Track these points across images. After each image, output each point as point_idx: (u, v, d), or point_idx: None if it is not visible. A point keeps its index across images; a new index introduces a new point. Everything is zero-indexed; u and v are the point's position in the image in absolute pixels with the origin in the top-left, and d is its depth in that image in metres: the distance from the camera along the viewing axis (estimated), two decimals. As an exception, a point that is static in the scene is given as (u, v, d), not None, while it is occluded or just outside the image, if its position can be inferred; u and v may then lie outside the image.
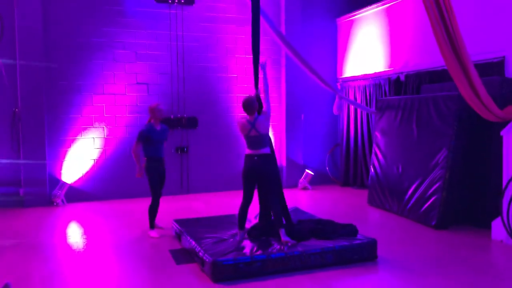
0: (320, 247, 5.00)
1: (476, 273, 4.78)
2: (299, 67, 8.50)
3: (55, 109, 8.73)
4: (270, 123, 10.11)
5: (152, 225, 6.47)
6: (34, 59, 8.37)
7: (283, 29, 10.08)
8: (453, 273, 4.78)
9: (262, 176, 5.40)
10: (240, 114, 5.53)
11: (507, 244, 5.76)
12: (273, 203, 5.44)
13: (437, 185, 6.67)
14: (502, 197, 5.75)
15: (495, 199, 6.09)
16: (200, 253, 4.94)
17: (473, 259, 5.23)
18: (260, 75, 5.86)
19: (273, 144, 6.03)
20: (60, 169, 8.80)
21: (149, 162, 6.36)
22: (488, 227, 6.23)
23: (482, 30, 6.96)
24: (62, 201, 8.58)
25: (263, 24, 7.20)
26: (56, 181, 8.71)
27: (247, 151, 5.47)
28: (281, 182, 5.81)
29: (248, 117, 5.43)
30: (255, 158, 5.37)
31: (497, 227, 5.95)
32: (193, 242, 5.26)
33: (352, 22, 10.30)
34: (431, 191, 6.76)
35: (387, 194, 7.77)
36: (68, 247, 5.93)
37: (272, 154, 5.57)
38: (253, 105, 5.42)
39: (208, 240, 5.33)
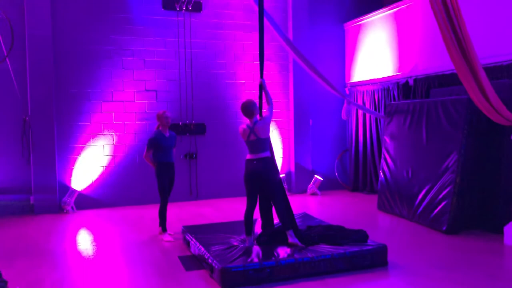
0: (331, 253, 4.97)
1: (489, 279, 4.72)
2: (307, 72, 8.49)
3: (64, 116, 8.79)
4: (275, 129, 10.17)
5: (164, 228, 6.54)
6: (43, 67, 8.45)
7: (290, 34, 10.09)
8: (465, 279, 4.72)
9: (262, 180, 5.41)
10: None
11: (519, 249, 5.68)
12: (276, 206, 5.44)
13: (447, 189, 6.61)
14: (514, 201, 5.68)
15: (507, 204, 6.02)
16: (209, 260, 4.92)
17: (485, 265, 5.17)
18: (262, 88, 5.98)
19: (278, 148, 6.04)
20: (70, 176, 8.85)
21: (160, 166, 6.49)
22: (500, 232, 6.15)
23: (491, 33, 6.91)
24: (72, 208, 8.63)
25: (270, 30, 7.22)
26: (66, 188, 8.76)
27: (248, 155, 5.52)
28: (282, 185, 5.78)
29: (248, 122, 5.51)
30: (254, 162, 5.41)
31: (510, 232, 5.88)
32: (202, 249, 5.25)
33: (359, 27, 10.29)
34: (441, 196, 6.70)
35: (397, 199, 7.72)
36: (78, 253, 5.95)
37: (271, 158, 5.55)
38: (250, 107, 5.49)
39: (217, 246, 5.32)
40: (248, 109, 5.49)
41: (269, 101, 5.68)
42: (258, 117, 5.58)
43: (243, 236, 5.69)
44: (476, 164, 6.61)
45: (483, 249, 5.76)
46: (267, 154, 5.45)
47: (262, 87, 5.91)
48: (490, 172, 6.56)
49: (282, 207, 5.46)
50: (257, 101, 5.78)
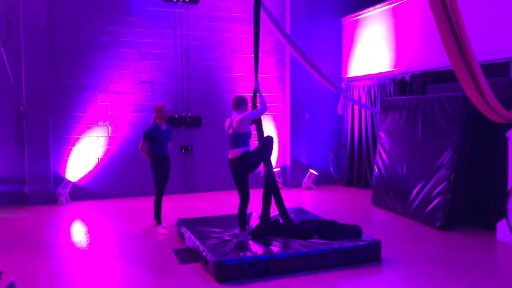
0: (325, 248, 4.99)
1: (481, 275, 4.76)
2: (304, 66, 8.48)
3: (59, 107, 8.75)
4: (271, 123, 10.17)
5: (159, 221, 6.55)
6: (39, 57, 8.39)
7: (288, 28, 10.06)
8: (458, 275, 4.76)
9: (234, 175, 5.49)
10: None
11: (512, 246, 5.74)
12: (240, 203, 5.48)
13: (442, 186, 6.64)
14: (507, 198, 5.72)
15: (501, 201, 6.06)
16: (204, 253, 4.93)
17: (478, 261, 5.21)
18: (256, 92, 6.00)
19: (274, 142, 6.00)
20: (65, 167, 8.82)
21: (155, 159, 6.48)
22: (493, 229, 6.20)
23: (488, 31, 6.92)
24: (67, 199, 8.60)
25: (268, 23, 7.20)
26: (60, 179, 8.73)
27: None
28: (275, 179, 5.81)
29: None
30: (229, 157, 5.54)
31: (502, 228, 5.93)
32: (197, 242, 5.26)
33: (357, 21, 10.27)
34: (436, 192, 6.73)
35: (392, 195, 7.75)
36: (72, 245, 5.94)
37: (247, 153, 5.46)
38: (236, 100, 5.56)
39: (212, 239, 5.33)
40: (234, 102, 5.57)
41: (263, 104, 5.66)
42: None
43: (237, 230, 5.70)
44: (470, 161, 6.64)
45: (476, 245, 5.81)
46: (243, 149, 5.41)
47: (256, 91, 5.90)
48: (485, 169, 6.59)
49: (242, 206, 5.47)
50: (250, 102, 5.82)
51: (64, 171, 8.82)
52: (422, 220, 6.90)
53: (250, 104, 5.84)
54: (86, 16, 8.84)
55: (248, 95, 6.42)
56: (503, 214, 5.92)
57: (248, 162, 5.43)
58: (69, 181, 8.69)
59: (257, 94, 5.90)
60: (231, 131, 5.47)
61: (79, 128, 8.90)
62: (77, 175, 8.89)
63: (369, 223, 7.05)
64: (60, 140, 8.77)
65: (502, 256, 5.50)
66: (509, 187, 5.81)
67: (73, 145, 8.86)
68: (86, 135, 8.95)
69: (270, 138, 5.72)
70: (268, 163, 5.78)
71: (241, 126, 5.39)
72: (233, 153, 5.45)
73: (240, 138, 5.42)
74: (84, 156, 8.93)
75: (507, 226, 5.72)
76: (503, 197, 5.94)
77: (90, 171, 8.98)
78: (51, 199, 8.57)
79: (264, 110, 5.63)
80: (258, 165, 5.54)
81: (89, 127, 8.96)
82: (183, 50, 9.52)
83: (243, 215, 5.45)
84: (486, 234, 6.28)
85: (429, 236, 6.30)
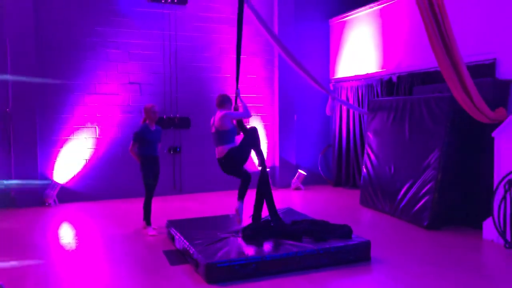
0: (316, 248, 5.03)
1: (468, 273, 4.83)
2: (292, 67, 8.52)
3: (47, 109, 8.66)
4: (260, 123, 10.19)
5: (149, 222, 6.52)
6: (25, 58, 8.29)
7: (276, 29, 10.09)
8: (446, 273, 4.83)
9: (225, 172, 5.72)
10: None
11: (498, 244, 5.83)
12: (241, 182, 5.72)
13: (429, 185, 6.73)
14: (493, 197, 5.81)
15: (487, 200, 6.16)
16: (194, 255, 4.94)
17: (464, 259, 5.29)
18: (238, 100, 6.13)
19: (263, 143, 6.07)
20: (52, 169, 8.74)
21: (145, 160, 6.48)
22: (480, 228, 6.29)
23: (474, 32, 7.03)
24: (54, 201, 8.53)
25: (256, 24, 7.22)
26: (48, 181, 8.64)
27: None
28: (241, 170, 5.86)
29: None
30: (217, 156, 5.66)
31: (488, 227, 6.03)
32: (187, 243, 5.26)
33: (344, 23, 10.35)
34: (423, 191, 6.81)
35: (379, 195, 7.82)
36: (61, 248, 5.90)
37: (230, 152, 5.54)
38: (218, 98, 5.66)
39: (202, 241, 5.33)
40: (218, 100, 5.67)
41: (245, 109, 5.74)
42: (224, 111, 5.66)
43: (228, 231, 5.71)
44: (457, 161, 6.73)
45: (463, 244, 5.89)
46: (228, 147, 5.50)
47: (237, 96, 5.96)
48: (471, 169, 6.69)
49: (244, 182, 5.71)
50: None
51: (52, 173, 8.74)
52: (410, 220, 6.98)
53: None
54: (74, 17, 8.76)
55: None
56: (489, 213, 6.01)
57: (236, 158, 5.48)
58: (56, 183, 8.61)
59: (239, 101, 5.95)
60: (213, 129, 5.52)
61: (67, 130, 8.82)
62: (65, 177, 8.81)
63: (358, 223, 7.11)
64: (48, 141, 8.69)
65: (489, 254, 5.59)
66: (494, 186, 5.91)
67: (61, 146, 8.78)
68: (74, 137, 8.87)
69: (253, 129, 5.77)
70: (260, 158, 5.80)
71: (223, 124, 5.44)
72: (219, 152, 5.53)
73: (223, 136, 5.47)
74: (72, 157, 8.86)
75: (493, 225, 5.81)
76: (489, 196, 6.04)
77: (78, 173, 8.91)
78: (39, 201, 8.48)
79: (246, 114, 5.69)
80: (246, 159, 5.62)
81: (77, 129, 8.89)
82: (172, 51, 9.50)
83: (243, 190, 5.66)
84: (472, 233, 6.37)
85: (417, 235, 6.37)
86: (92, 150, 9.00)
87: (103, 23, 8.97)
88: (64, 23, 8.71)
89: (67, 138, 8.83)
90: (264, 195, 5.82)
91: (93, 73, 8.97)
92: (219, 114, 5.50)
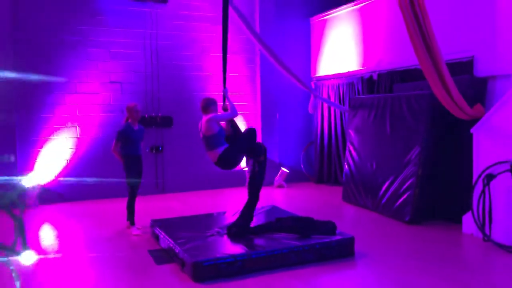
0: (301, 245, 5.07)
1: (449, 266, 4.94)
2: (274, 66, 8.56)
3: (26, 109, 8.52)
4: (242, 121, 10.19)
5: (133, 222, 6.49)
6: (3, 58, 8.14)
7: (257, 27, 10.11)
8: (428, 267, 4.93)
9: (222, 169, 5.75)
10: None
11: (477, 237, 5.97)
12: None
13: (410, 181, 6.84)
14: (472, 192, 5.94)
15: (466, 195, 6.29)
16: (180, 254, 4.93)
17: (446, 253, 5.41)
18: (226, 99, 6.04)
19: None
20: (32, 170, 8.60)
21: (128, 159, 6.44)
22: (460, 222, 6.43)
23: (452, 30, 7.16)
24: (35, 202, 8.39)
25: (238, 22, 7.23)
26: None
27: None
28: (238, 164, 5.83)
29: None
30: (212, 161, 5.64)
31: (468, 221, 6.16)
32: (172, 242, 5.25)
33: (325, 21, 10.43)
34: (404, 187, 6.93)
35: (362, 191, 7.92)
36: (42, 250, 5.82)
37: (223, 154, 5.48)
38: (202, 103, 5.60)
39: (186, 240, 5.32)
40: (202, 105, 5.59)
41: (232, 109, 5.66)
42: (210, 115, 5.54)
43: (212, 230, 5.71)
44: (437, 157, 6.86)
45: (443, 238, 6.02)
46: (219, 149, 5.43)
47: (225, 96, 5.92)
48: (451, 164, 6.82)
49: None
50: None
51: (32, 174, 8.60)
52: (392, 215, 7.09)
53: (220, 103, 5.88)
54: (53, 15, 8.63)
55: (219, 94, 6.44)
56: (468, 207, 6.15)
57: (230, 158, 5.47)
58: (37, 184, 8.47)
59: (226, 100, 5.90)
60: (201, 134, 5.49)
61: (47, 130, 8.69)
62: (45, 178, 8.68)
63: (341, 219, 7.19)
64: (27, 142, 8.55)
65: (469, 248, 5.72)
66: (473, 181, 6.04)
67: (41, 147, 8.65)
68: (54, 137, 8.75)
69: (251, 129, 5.73)
70: (261, 152, 5.78)
71: (209, 128, 5.37)
72: (211, 156, 5.47)
73: (212, 140, 5.41)
74: (53, 158, 8.74)
75: (472, 219, 5.95)
76: (468, 191, 6.17)
77: (59, 174, 8.79)
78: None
79: (233, 114, 5.61)
80: (241, 159, 5.61)
81: (57, 129, 8.77)
82: (153, 50, 9.44)
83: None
84: (453, 227, 6.51)
85: (399, 230, 6.48)
86: (73, 150, 8.89)
87: (83, 22, 8.87)
88: (43, 21, 8.58)
89: (47, 139, 8.70)
90: (249, 195, 5.81)
91: (74, 72, 8.85)
92: (205, 118, 5.44)
